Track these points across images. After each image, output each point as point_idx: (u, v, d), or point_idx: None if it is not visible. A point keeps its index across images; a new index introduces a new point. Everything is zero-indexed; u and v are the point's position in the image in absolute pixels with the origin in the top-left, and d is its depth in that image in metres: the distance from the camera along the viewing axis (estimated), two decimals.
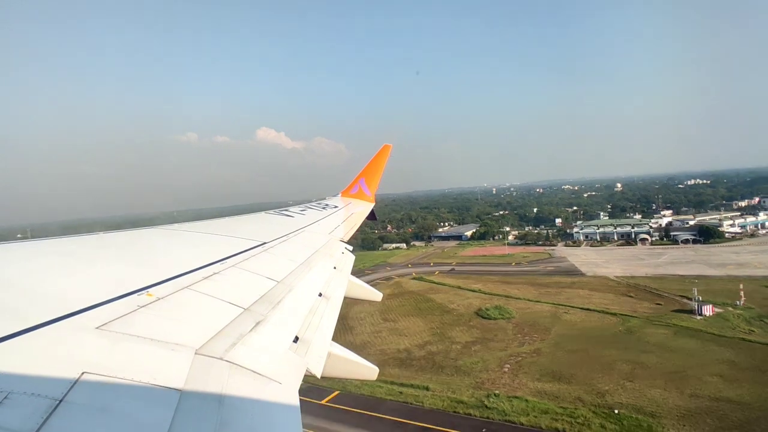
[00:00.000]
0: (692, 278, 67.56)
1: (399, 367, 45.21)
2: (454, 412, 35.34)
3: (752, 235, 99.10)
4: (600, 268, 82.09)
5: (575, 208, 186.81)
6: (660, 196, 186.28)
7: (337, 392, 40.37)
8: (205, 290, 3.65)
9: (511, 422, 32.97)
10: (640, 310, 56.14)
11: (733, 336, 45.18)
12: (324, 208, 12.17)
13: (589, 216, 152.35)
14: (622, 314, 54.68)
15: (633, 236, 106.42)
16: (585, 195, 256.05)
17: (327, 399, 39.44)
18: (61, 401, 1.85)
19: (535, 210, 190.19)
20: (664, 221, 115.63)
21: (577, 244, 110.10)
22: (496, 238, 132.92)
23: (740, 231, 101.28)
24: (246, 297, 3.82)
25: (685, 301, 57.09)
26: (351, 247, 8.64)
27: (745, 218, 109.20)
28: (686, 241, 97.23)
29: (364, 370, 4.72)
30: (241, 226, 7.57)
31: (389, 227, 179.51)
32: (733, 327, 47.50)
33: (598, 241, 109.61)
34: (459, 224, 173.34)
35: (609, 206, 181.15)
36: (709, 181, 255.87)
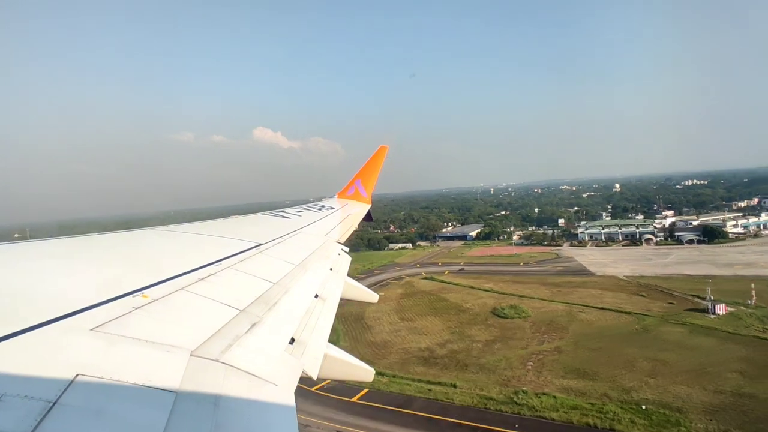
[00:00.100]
0: (701, 278, 68.91)
1: (423, 366, 46.17)
2: (485, 408, 36.36)
3: (755, 236, 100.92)
4: (609, 267, 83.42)
5: (576, 208, 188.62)
6: (661, 196, 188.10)
7: (366, 390, 41.26)
8: (201, 292, 3.66)
9: (543, 418, 34.03)
10: (653, 309, 57.36)
11: (748, 334, 46.46)
12: (320, 209, 12.21)
13: (592, 216, 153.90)
14: (636, 313, 55.89)
15: (638, 236, 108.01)
16: (584, 195, 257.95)
17: (357, 396, 40.36)
18: (55, 403, 1.84)
19: (536, 210, 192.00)
20: (667, 222, 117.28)
21: (582, 244, 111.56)
22: (501, 238, 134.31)
23: (743, 231, 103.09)
24: (242, 298, 3.83)
25: (697, 300, 58.40)
26: (347, 249, 8.67)
27: (747, 219, 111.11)
28: (691, 242, 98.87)
29: (361, 371, 4.73)
30: (237, 227, 7.60)
31: (392, 227, 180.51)
32: (747, 325, 48.80)
33: (603, 242, 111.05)
34: (462, 224, 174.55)
35: (609, 206, 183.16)
36: (706, 182, 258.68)
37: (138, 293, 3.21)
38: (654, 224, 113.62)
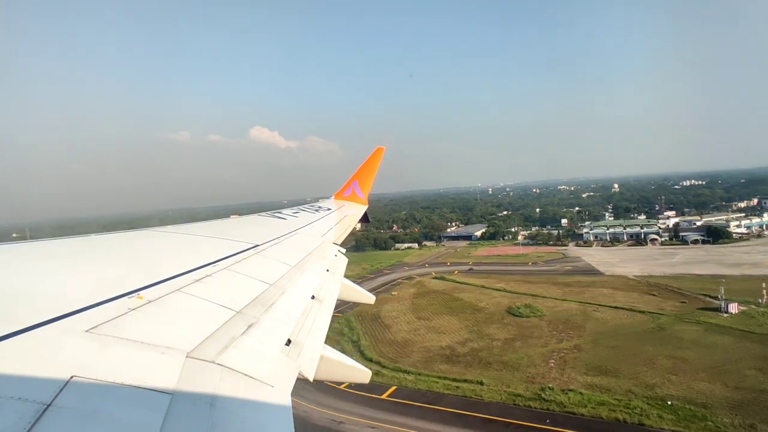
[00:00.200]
0: (709, 277, 70.36)
1: (447, 363, 47.08)
2: (514, 404, 37.33)
3: (759, 236, 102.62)
4: (617, 267, 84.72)
5: (577, 208, 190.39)
6: (663, 197, 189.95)
7: (394, 387, 42.17)
8: (197, 293, 3.66)
9: (572, 413, 35.03)
10: (666, 308, 58.55)
11: (762, 332, 47.69)
12: (317, 210, 12.22)
13: (594, 217, 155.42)
14: (650, 312, 57.05)
15: (642, 236, 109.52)
16: (584, 195, 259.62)
17: (387, 393, 41.23)
18: (49, 405, 1.83)
19: (538, 210, 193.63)
20: (670, 222, 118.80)
21: (588, 244, 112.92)
22: (505, 238, 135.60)
23: (746, 232, 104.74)
24: (238, 300, 3.84)
25: (709, 299, 59.72)
26: (344, 250, 8.70)
27: (750, 219, 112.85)
28: (696, 242, 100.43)
29: (357, 373, 4.75)
30: (233, 228, 7.59)
31: (395, 227, 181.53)
32: (760, 324, 50.05)
33: (608, 242, 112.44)
34: (464, 224, 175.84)
35: (609, 207, 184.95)
36: (704, 182, 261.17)
37: (133, 294, 3.21)
38: (658, 224, 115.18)
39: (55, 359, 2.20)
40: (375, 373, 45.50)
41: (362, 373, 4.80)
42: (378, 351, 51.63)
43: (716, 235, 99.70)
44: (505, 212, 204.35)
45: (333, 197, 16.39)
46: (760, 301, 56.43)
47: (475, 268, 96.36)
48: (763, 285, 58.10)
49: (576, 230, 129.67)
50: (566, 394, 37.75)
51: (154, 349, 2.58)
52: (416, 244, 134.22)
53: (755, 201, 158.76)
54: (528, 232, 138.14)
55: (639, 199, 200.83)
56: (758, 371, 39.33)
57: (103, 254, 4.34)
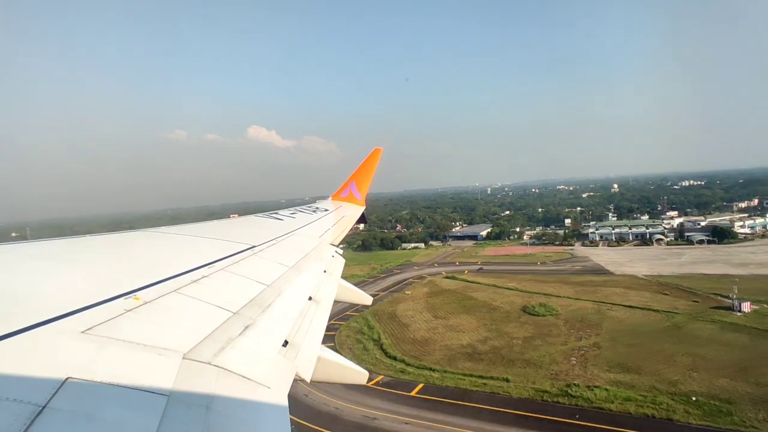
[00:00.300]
0: (718, 277, 71.80)
1: (470, 361, 48.03)
2: (542, 400, 38.32)
3: (763, 236, 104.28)
4: (626, 267, 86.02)
5: (579, 208, 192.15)
6: (665, 197, 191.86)
7: (422, 385, 43.10)
8: (194, 294, 3.67)
9: (600, 409, 36.06)
10: (679, 307, 59.74)
11: None
12: (314, 211, 12.23)
13: (597, 217, 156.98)
14: (664, 311, 58.24)
15: (648, 237, 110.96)
16: (584, 195, 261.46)
17: (415, 391, 42.13)
18: (44, 407, 1.83)
19: (540, 210, 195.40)
20: (675, 222, 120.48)
21: (594, 244, 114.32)
22: (511, 238, 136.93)
23: (750, 232, 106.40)
24: (235, 301, 3.84)
25: (720, 298, 61.02)
26: (341, 251, 8.79)
27: (754, 219, 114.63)
28: (701, 242, 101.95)
29: (354, 374, 4.76)
30: (230, 229, 7.57)
31: (399, 227, 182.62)
32: None
33: (614, 242, 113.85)
34: (468, 224, 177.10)
35: (611, 207, 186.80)
36: (703, 182, 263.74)
37: (130, 295, 3.21)
38: (663, 225, 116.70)
39: (50, 360, 2.19)
40: (400, 371, 46.80)
41: (359, 375, 4.79)
42: (400, 349, 52.52)
43: (721, 235, 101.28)
44: (507, 212, 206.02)
45: (330, 198, 16.44)
46: None
47: (484, 267, 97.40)
48: None
49: (581, 230, 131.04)
50: (592, 390, 38.76)
51: (151, 350, 2.59)
52: (423, 244, 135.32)
53: (756, 201, 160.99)
54: (534, 231, 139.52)
55: (640, 199, 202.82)
56: None
57: (99, 255, 4.33)
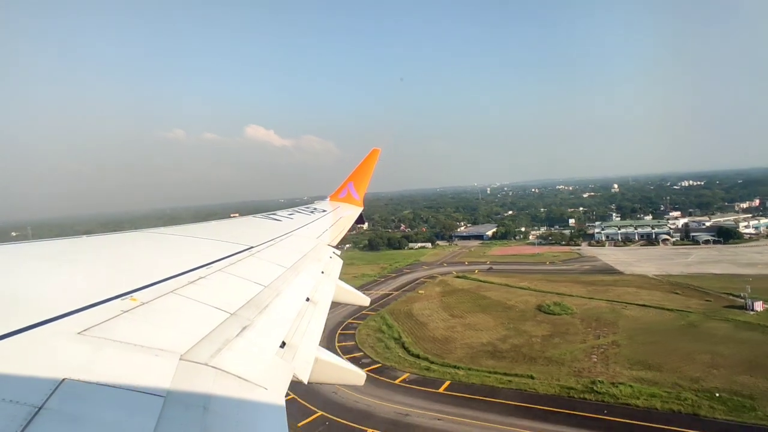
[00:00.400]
0: (728, 277, 73.13)
1: (492, 359, 49.04)
2: (569, 396, 39.34)
3: None
4: (635, 267, 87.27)
5: (581, 208, 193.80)
6: (668, 197, 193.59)
7: (448, 382, 44.06)
8: (191, 295, 3.67)
9: (627, 405, 37.09)
10: (692, 306, 60.94)
11: None
12: (312, 212, 12.29)
13: (601, 217, 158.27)
14: (677, 310, 59.44)
15: (653, 237, 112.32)
16: (584, 195, 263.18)
17: (443, 388, 43.08)
18: (40, 408, 1.83)
19: (543, 210, 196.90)
20: (680, 222, 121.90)
21: (600, 244, 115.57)
22: (517, 237, 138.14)
23: (755, 232, 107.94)
24: (232, 302, 3.85)
25: (732, 297, 62.29)
26: (339, 252, 8.75)
27: (758, 220, 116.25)
28: (707, 242, 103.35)
29: (352, 375, 4.76)
30: (228, 230, 7.56)
31: (403, 226, 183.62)
32: None
33: (620, 242, 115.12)
34: (472, 224, 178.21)
35: (613, 207, 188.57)
36: (703, 183, 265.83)
37: (127, 296, 3.22)
38: (668, 225, 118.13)
39: (46, 361, 2.20)
40: (425, 369, 47.75)
41: (357, 376, 4.80)
42: (422, 348, 53.46)
43: (727, 235, 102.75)
44: (509, 212, 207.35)
45: (329, 199, 16.48)
46: None
47: (494, 267, 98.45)
48: None
49: (585, 230, 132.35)
50: (617, 387, 39.82)
51: (148, 351, 2.59)
52: (429, 244, 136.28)
53: (757, 202, 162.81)
54: (539, 231, 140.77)
55: (641, 200, 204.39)
56: None
57: (96, 256, 4.34)
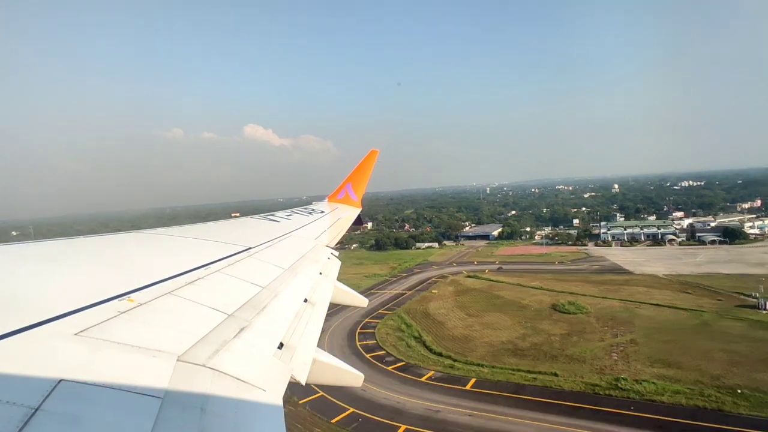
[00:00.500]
0: (738, 276, 74.43)
1: (514, 357, 50.03)
2: (594, 393, 40.37)
3: None
4: (644, 266, 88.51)
5: (584, 208, 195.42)
6: (671, 198, 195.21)
7: (474, 379, 45.04)
8: (189, 296, 3.67)
9: (653, 401, 38.15)
10: (704, 305, 62.10)
11: None
12: (310, 213, 12.30)
13: (605, 217, 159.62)
14: (690, 309, 60.58)
15: (660, 237, 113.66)
16: (585, 195, 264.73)
17: (469, 385, 44.06)
18: (37, 410, 1.83)
19: (545, 210, 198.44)
20: (685, 222, 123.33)
21: (607, 244, 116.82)
22: (523, 237, 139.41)
23: (760, 233, 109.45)
24: (230, 303, 3.85)
25: (743, 297, 63.54)
26: (337, 253, 8.76)
27: (763, 220, 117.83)
28: (713, 242, 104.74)
29: (349, 377, 4.73)
30: (226, 230, 7.54)
31: (407, 226, 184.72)
32: None
33: (626, 242, 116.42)
34: (477, 224, 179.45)
35: (614, 207, 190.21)
36: (702, 183, 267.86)
37: (124, 297, 3.22)
38: (674, 225, 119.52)
39: (43, 363, 2.20)
40: (449, 367, 48.69)
41: (355, 377, 4.76)
42: (443, 346, 54.40)
43: (732, 235, 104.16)
44: (512, 212, 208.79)
45: (327, 200, 16.52)
46: None
47: (504, 267, 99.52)
48: None
49: (591, 230, 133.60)
50: (640, 384, 40.86)
51: (145, 352, 2.59)
52: (436, 244, 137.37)
53: (759, 202, 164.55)
54: (545, 231, 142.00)
55: (643, 200, 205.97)
56: None
57: (93, 256, 4.35)
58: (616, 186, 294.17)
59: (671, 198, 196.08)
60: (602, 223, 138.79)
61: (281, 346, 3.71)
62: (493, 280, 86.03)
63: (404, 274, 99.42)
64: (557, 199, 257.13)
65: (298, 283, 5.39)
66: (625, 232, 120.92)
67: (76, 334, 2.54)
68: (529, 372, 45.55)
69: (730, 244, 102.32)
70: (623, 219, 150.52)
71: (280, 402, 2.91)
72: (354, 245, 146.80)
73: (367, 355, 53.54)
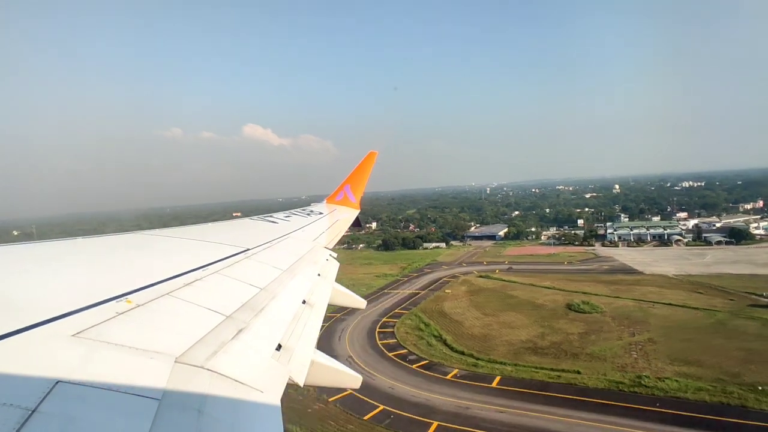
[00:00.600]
0: (747, 276, 75.76)
1: (535, 355, 51.06)
2: (619, 390, 41.40)
3: None
4: (653, 267, 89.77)
5: (587, 209, 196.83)
6: (674, 198, 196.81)
7: (499, 377, 46.04)
8: (187, 297, 3.67)
9: (677, 398, 39.23)
10: (717, 305, 63.27)
11: None
12: (309, 214, 12.34)
13: (609, 218, 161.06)
14: (704, 309, 61.77)
15: (666, 237, 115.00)
16: (587, 196, 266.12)
17: (495, 382, 45.06)
18: (34, 411, 1.83)
19: (547, 210, 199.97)
20: (690, 223, 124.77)
21: (614, 244, 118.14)
22: (529, 238, 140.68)
23: (765, 233, 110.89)
24: (228, 304, 3.85)
25: (754, 297, 64.81)
26: (336, 254, 8.77)
27: None
28: (719, 243, 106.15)
29: (348, 378, 4.74)
30: (224, 232, 7.56)
31: (412, 226, 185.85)
32: None
33: (633, 242, 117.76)
34: (480, 224, 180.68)
35: (617, 207, 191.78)
36: (703, 184, 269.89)
37: (122, 298, 3.21)
38: (680, 226, 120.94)
39: (40, 364, 2.19)
40: (473, 365, 49.65)
41: (353, 379, 4.78)
42: (464, 345, 55.36)
43: (739, 236, 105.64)
44: (515, 212, 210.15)
45: (325, 201, 16.57)
46: None
47: (513, 267, 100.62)
48: None
49: (596, 231, 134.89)
50: (663, 381, 41.92)
51: (142, 353, 2.59)
52: (443, 244, 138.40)
53: (761, 203, 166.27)
54: (551, 232, 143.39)
55: (645, 200, 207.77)
56: None
57: (91, 257, 4.35)
58: (617, 186, 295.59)
59: (674, 199, 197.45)
60: (608, 224, 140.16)
61: (279, 347, 3.73)
62: (505, 280, 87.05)
63: (415, 274, 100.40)
64: (559, 200, 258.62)
65: (296, 284, 5.41)
66: (631, 232, 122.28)
67: (73, 336, 2.53)
68: (552, 370, 46.53)
69: (736, 244, 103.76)
70: (627, 219, 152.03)
71: (278, 403, 2.92)
72: (361, 245, 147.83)
73: (390, 354, 54.43)
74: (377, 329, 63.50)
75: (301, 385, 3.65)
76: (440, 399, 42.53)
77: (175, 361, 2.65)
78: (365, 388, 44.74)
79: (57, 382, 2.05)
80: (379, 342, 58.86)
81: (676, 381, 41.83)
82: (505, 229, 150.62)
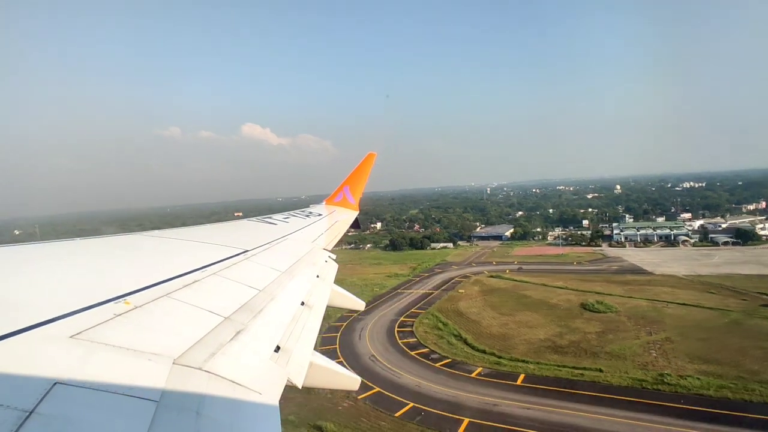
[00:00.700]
0: (757, 277, 76.88)
1: (555, 354, 51.99)
2: (642, 388, 42.34)
3: None
4: (663, 267, 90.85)
5: (589, 209, 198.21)
6: (678, 199, 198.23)
7: (523, 375, 46.99)
8: (185, 298, 3.67)
9: (701, 395, 40.21)
10: (730, 305, 64.29)
11: None
12: (308, 216, 12.30)
13: (614, 218, 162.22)
14: (718, 308, 62.79)
15: (672, 238, 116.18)
16: (588, 196, 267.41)
17: (520, 380, 46.00)
18: (31, 413, 1.82)
19: (551, 211, 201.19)
20: (696, 224, 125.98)
21: (621, 244, 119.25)
22: (536, 238, 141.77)
23: None
24: (227, 305, 3.86)
25: (766, 297, 65.89)
26: (335, 256, 8.82)
27: None
28: (726, 243, 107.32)
29: (346, 380, 4.76)
30: (222, 233, 7.55)
31: (416, 226, 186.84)
32: None
33: (640, 243, 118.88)
34: (485, 224, 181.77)
35: (620, 208, 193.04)
36: (703, 184, 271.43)
37: (120, 300, 3.21)
38: (686, 226, 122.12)
39: (37, 366, 2.18)
40: (495, 363, 50.58)
41: (351, 380, 4.80)
42: (485, 344, 56.26)
43: (745, 237, 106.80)
44: (519, 213, 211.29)
45: (324, 202, 16.57)
46: None
47: (524, 267, 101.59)
48: None
49: (602, 231, 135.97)
50: (685, 379, 42.92)
51: (141, 355, 2.59)
52: (451, 244, 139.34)
53: (763, 204, 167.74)
54: (557, 232, 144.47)
55: (647, 201, 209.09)
56: None
57: (89, 258, 4.34)
58: (619, 187, 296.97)
59: (677, 199, 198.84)
60: (614, 224, 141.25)
61: (278, 349, 3.74)
62: (516, 280, 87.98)
63: (426, 274, 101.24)
64: (561, 200, 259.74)
65: (295, 286, 5.40)
66: (638, 233, 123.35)
67: (71, 337, 2.52)
68: (574, 368, 47.41)
69: (743, 245, 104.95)
70: (632, 220, 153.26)
71: (277, 405, 2.93)
72: (368, 245, 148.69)
73: (412, 353, 55.28)
74: (396, 328, 64.33)
75: (300, 387, 3.67)
76: (467, 396, 43.42)
77: (174, 363, 2.65)
78: (393, 386, 45.74)
79: (55, 384, 2.04)
80: (399, 341, 59.71)
81: (698, 379, 42.80)
82: (512, 230, 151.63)
